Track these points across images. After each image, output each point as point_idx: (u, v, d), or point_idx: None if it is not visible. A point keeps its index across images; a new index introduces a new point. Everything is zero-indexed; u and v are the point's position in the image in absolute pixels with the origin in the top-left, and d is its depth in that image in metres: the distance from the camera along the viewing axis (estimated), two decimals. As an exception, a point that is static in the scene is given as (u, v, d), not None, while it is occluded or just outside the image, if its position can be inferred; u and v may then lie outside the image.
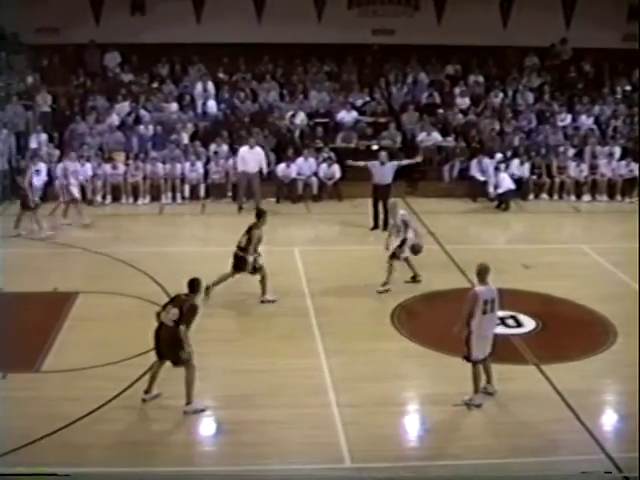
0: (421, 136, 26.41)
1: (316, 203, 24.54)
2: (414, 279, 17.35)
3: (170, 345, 11.99)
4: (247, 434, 11.43)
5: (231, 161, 24.84)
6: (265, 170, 24.23)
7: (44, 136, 25.17)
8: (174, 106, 26.99)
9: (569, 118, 27.58)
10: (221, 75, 28.48)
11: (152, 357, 12.65)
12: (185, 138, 25.74)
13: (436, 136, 26.48)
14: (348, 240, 21.03)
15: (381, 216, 21.52)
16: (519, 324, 15.18)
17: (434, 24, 29.51)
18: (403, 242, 16.97)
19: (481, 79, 28.88)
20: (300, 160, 25.00)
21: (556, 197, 25.59)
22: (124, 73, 28.36)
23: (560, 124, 27.31)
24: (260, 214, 16.61)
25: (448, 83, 28.73)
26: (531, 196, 25.48)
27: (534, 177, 25.52)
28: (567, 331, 15.35)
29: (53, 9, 27.16)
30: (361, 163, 22.59)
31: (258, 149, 24.09)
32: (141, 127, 25.97)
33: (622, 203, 25.23)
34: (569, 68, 29.59)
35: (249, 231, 16.27)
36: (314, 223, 22.82)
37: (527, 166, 25.43)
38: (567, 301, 16.66)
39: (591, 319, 15.85)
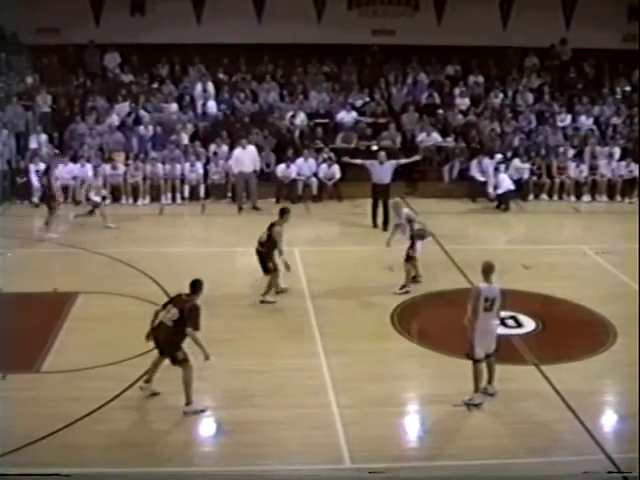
0: (421, 136, 26.41)
1: (316, 203, 24.55)
2: (414, 279, 17.35)
3: (167, 345, 12.02)
4: (247, 434, 11.43)
5: (230, 161, 24.85)
6: (258, 169, 24.28)
7: (44, 136, 25.18)
8: (174, 106, 27.00)
9: (569, 119, 27.59)
10: (221, 76, 28.49)
11: (152, 357, 12.68)
12: (185, 139, 25.74)
13: (436, 136, 26.49)
14: (348, 240, 21.03)
15: (381, 216, 21.63)
16: (519, 324, 15.18)
17: (434, 25, 29.52)
18: (413, 242, 16.98)
19: (481, 79, 28.89)
20: (300, 160, 25.00)
21: (556, 197, 25.60)
22: (124, 73, 28.38)
23: (560, 124, 27.33)
24: (283, 212, 16.72)
25: (448, 84, 28.75)
26: (531, 196, 25.49)
27: (534, 177, 25.53)
28: (567, 331, 15.35)
29: (53, 9, 27.15)
30: (358, 161, 22.73)
31: (251, 148, 24.14)
32: (141, 127, 25.97)
33: (622, 204, 25.24)
34: (569, 69, 29.60)
35: (270, 228, 16.37)
36: (314, 223, 22.80)
37: (527, 166, 25.44)
38: (567, 301, 16.66)
39: (591, 319, 15.85)
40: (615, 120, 27.40)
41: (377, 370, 13.46)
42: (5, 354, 13.63)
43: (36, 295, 16.47)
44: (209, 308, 15.28)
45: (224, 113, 27.14)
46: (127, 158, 25.03)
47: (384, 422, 11.94)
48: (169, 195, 24.58)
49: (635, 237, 18.92)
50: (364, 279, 17.73)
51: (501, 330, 13.17)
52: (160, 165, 24.64)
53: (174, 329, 11.88)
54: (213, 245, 20.59)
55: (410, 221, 17.05)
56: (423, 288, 17.19)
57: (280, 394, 12.58)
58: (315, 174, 25.02)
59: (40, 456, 10.73)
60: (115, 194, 24.33)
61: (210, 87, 27.73)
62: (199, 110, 27.28)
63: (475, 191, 25.19)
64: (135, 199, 24.45)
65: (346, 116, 27.01)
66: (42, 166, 23.82)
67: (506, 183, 24.34)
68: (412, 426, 12.19)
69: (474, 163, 25.38)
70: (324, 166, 24.98)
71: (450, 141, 26.49)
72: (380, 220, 21.69)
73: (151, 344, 12.43)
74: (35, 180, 23.72)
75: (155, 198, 24.53)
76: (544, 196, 25.59)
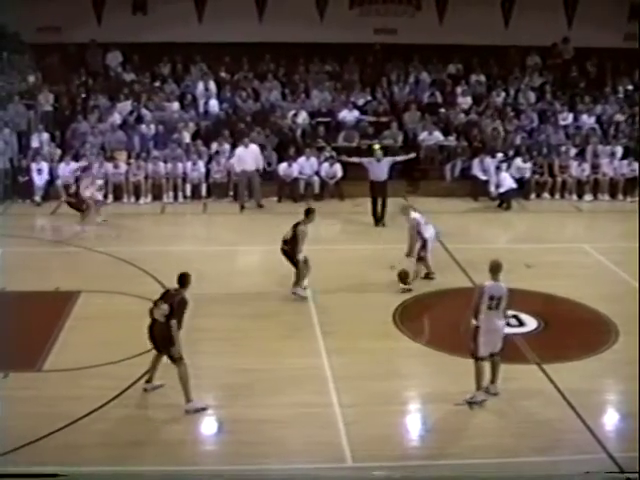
0: (423, 135, 26.41)
1: (318, 202, 24.45)
2: (428, 276, 17.45)
3: (162, 341, 12.03)
4: (248, 433, 11.42)
5: (232, 160, 24.86)
6: (261, 167, 24.31)
7: (46, 135, 25.16)
8: (176, 105, 27.00)
9: (571, 117, 27.57)
10: (223, 74, 28.49)
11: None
12: (187, 137, 25.74)
13: (438, 135, 26.48)
14: (350, 239, 21.03)
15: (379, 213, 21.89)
16: (521, 323, 15.18)
17: (436, 23, 29.52)
18: (424, 243, 16.98)
19: (483, 78, 28.88)
20: (302, 159, 24.99)
21: (558, 196, 25.58)
22: (126, 72, 28.38)
23: (562, 123, 27.31)
24: (308, 212, 16.78)
25: (450, 82, 28.73)
26: (533, 195, 25.46)
27: (536, 176, 25.52)
28: (569, 330, 15.35)
29: (55, 8, 27.16)
30: (356, 159, 22.93)
31: (253, 147, 24.17)
32: (143, 126, 25.96)
33: (624, 202, 25.19)
34: (571, 67, 29.58)
35: (295, 227, 16.44)
36: (316, 222, 22.64)
37: (529, 165, 25.44)
38: (569, 300, 16.65)
39: (593, 318, 15.84)
40: (617, 119, 27.37)
41: (379, 369, 13.46)
42: (7, 353, 13.65)
43: (38, 294, 16.47)
44: (211, 307, 15.36)
45: (226, 112, 27.13)
46: (129, 157, 25.03)
47: (386, 421, 11.93)
48: (171, 194, 24.58)
49: (636, 236, 18.89)
50: (366, 278, 17.72)
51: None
52: (162, 164, 24.64)
53: (166, 325, 11.89)
54: (215, 244, 20.58)
55: (418, 226, 17.03)
56: (425, 287, 17.18)
57: (282, 393, 12.58)
58: (317, 173, 25.02)
59: (41, 455, 10.73)
60: (117, 193, 24.34)
61: (212, 86, 27.72)
62: (201, 109, 27.26)
63: (477, 190, 25.18)
64: (137, 198, 24.45)
65: (348, 115, 27.01)
66: (44, 165, 23.89)
67: (508, 182, 24.33)
68: (414, 425, 12.19)
69: (476, 162, 25.37)
70: (326, 165, 24.98)
71: (452, 140, 26.48)
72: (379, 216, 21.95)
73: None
74: (37, 179, 23.75)
75: (157, 197, 24.53)
76: (546, 195, 25.57)
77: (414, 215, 17.31)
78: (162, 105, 26.84)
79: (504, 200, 24.22)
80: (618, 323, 15.24)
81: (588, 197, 25.58)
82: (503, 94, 28.30)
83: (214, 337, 14.27)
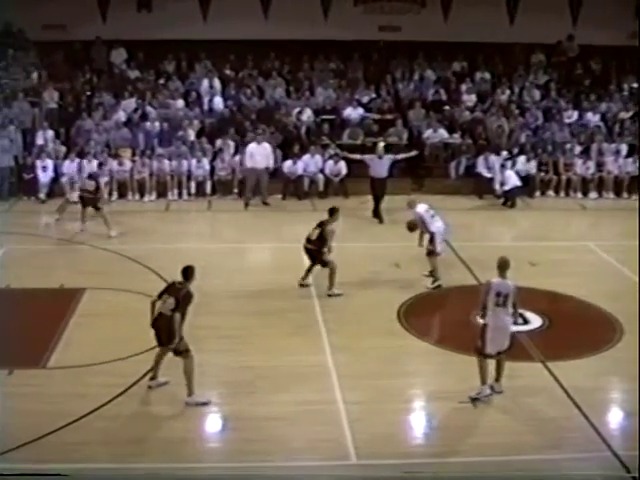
0: (427, 133, 26.42)
1: (322, 200, 24.50)
2: (431, 273, 17.39)
3: (167, 334, 12.02)
4: (252, 431, 11.42)
5: (237, 158, 24.91)
6: (271, 166, 24.33)
7: (50, 133, 25.22)
8: (180, 103, 27.02)
9: (576, 115, 27.56)
10: (227, 72, 28.53)
11: (158, 353, 12.74)
12: (191, 135, 25.77)
13: (442, 133, 26.49)
14: (354, 237, 21.00)
15: (371, 206, 22.34)
16: (525, 321, 15.12)
17: (440, 21, 29.51)
18: (432, 237, 16.97)
19: (487, 76, 28.88)
20: (306, 157, 25.02)
21: (562, 194, 25.58)
22: (130, 70, 28.43)
23: (567, 121, 27.31)
24: (333, 211, 16.87)
25: (454, 80, 28.74)
26: (537, 193, 25.48)
27: (540, 174, 25.52)
28: (573, 328, 15.35)
29: (60, 6, 27.20)
30: (357, 156, 23.10)
31: (266, 145, 24.20)
32: (147, 124, 25.99)
33: (629, 200, 25.17)
34: (576, 65, 29.57)
35: (321, 226, 16.57)
36: (320, 220, 22.74)
37: (533, 163, 25.44)
38: (573, 298, 16.64)
39: (597, 316, 15.83)
40: (622, 116, 27.34)
41: (383, 367, 13.46)
42: (12, 350, 13.67)
43: (43, 291, 16.50)
44: (215, 304, 15.38)
45: (230, 109, 27.14)
46: (133, 154, 25.06)
47: (390, 419, 11.93)
48: (175, 191, 24.62)
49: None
50: (371, 275, 17.73)
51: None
52: (166, 161, 24.67)
53: (172, 318, 11.90)
54: (219, 241, 20.61)
55: (422, 221, 17.01)
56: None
57: (286, 390, 12.58)
58: (321, 170, 25.05)
59: (45, 452, 10.72)
60: (121, 190, 24.37)
61: (216, 83, 27.76)
62: (205, 106, 27.30)
63: (481, 188, 25.18)
64: (141, 195, 24.49)
65: (352, 112, 27.02)
66: (49, 162, 23.93)
67: (512, 180, 24.34)
68: (418, 423, 12.18)
69: (480, 160, 25.38)
70: (330, 162, 24.99)
71: (457, 137, 26.49)
72: (371, 208, 22.29)
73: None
74: (42, 177, 23.79)
75: (161, 194, 24.58)
76: (551, 193, 25.58)
77: (418, 209, 17.28)
78: (167, 102, 26.87)
79: (509, 198, 24.22)
80: (622, 321, 15.22)
81: (593, 195, 25.58)
82: (508, 92, 28.28)
83: (218, 334, 14.28)
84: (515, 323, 12.67)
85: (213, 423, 11.93)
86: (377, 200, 22.24)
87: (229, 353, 13.57)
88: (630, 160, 25.77)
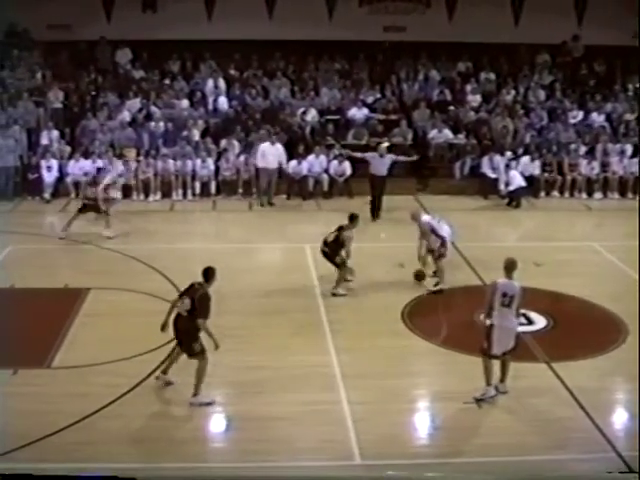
0: (432, 133, 26.40)
1: (327, 200, 24.52)
2: (435, 274, 17.38)
3: (185, 336, 12.09)
4: (256, 431, 11.43)
5: (242, 158, 24.90)
6: (284, 165, 24.40)
7: (55, 133, 25.20)
8: (185, 103, 27.00)
9: (581, 115, 27.51)
10: (232, 72, 28.49)
11: (162, 353, 12.77)
12: (196, 135, 25.74)
13: (447, 133, 26.47)
14: (359, 237, 20.85)
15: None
16: (530, 322, 15.15)
17: (445, 21, 29.48)
18: (444, 241, 16.96)
19: (492, 76, 28.84)
20: (311, 157, 25.00)
21: (567, 195, 25.52)
22: (135, 70, 28.42)
23: (571, 121, 27.25)
24: (352, 218, 16.86)
25: (459, 80, 28.69)
26: (542, 194, 25.42)
27: (545, 174, 25.48)
28: (578, 329, 15.33)
29: (64, 6, 27.21)
30: (359, 154, 23.32)
31: (278, 145, 24.26)
32: (152, 124, 25.97)
33: (634, 201, 25.03)
34: (581, 65, 29.52)
35: (339, 230, 16.62)
36: (325, 220, 22.75)
37: (538, 163, 25.41)
38: (578, 299, 16.63)
39: (602, 317, 15.82)
40: (627, 117, 27.30)
41: (388, 367, 13.46)
42: (16, 350, 13.70)
43: (47, 291, 16.51)
44: (220, 304, 15.32)
45: (235, 109, 27.13)
46: (138, 154, 25.04)
47: (395, 419, 11.94)
48: (180, 191, 24.59)
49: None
50: (375, 276, 17.71)
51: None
52: (171, 161, 24.65)
53: (189, 319, 11.97)
54: (224, 241, 20.60)
55: (432, 230, 16.95)
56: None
57: (290, 390, 12.59)
58: (326, 170, 25.02)
59: (49, 452, 10.75)
60: (126, 190, 24.37)
61: (221, 83, 27.74)
62: (210, 106, 27.28)
63: (486, 188, 25.14)
64: (146, 195, 24.47)
65: (357, 113, 27.00)
66: (53, 162, 23.95)
67: (517, 180, 24.31)
68: (423, 423, 12.19)
69: (485, 160, 25.34)
70: (335, 162, 24.97)
71: (461, 138, 26.45)
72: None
73: (163, 338, 12.51)
74: (46, 176, 23.81)
75: (166, 194, 24.53)
76: (555, 193, 25.52)
77: (425, 218, 17.24)
78: (171, 102, 26.85)
79: (513, 198, 24.19)
80: (627, 322, 15.20)
81: (598, 195, 25.53)
82: (513, 92, 28.23)
83: (222, 334, 14.14)
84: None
85: (218, 423, 11.95)
86: (374, 197, 22.43)
87: (234, 353, 13.56)
88: (635, 160, 25.68)
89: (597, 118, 27.36)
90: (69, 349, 13.90)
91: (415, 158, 23.84)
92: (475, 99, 27.95)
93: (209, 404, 12.10)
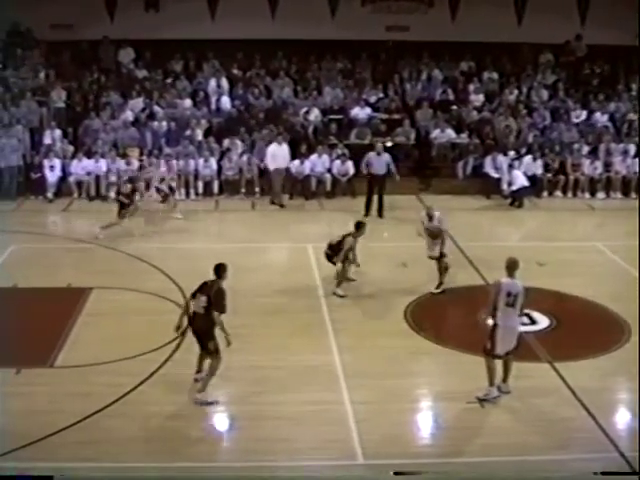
0: (435, 133, 26.40)
1: (329, 199, 24.53)
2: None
3: (202, 334, 12.14)
4: (259, 430, 11.43)
5: (244, 157, 24.91)
6: (288, 165, 24.46)
7: (58, 132, 25.23)
8: (188, 102, 27.01)
9: (584, 115, 27.50)
10: (235, 71, 28.51)
11: (165, 353, 12.83)
12: (199, 134, 25.76)
13: (450, 133, 26.47)
14: (362, 237, 20.98)
15: (376, 202, 22.67)
16: (533, 321, 15.14)
17: (448, 21, 29.46)
18: (443, 240, 16.94)
19: (495, 76, 28.83)
20: (314, 157, 25.00)
21: (570, 194, 25.51)
22: (138, 69, 28.44)
23: (575, 121, 27.25)
24: (359, 226, 16.91)
25: (462, 80, 28.69)
26: (545, 193, 25.42)
27: (548, 174, 25.46)
28: (581, 329, 15.33)
29: (67, 5, 27.24)
30: (363, 167, 23.17)
31: (285, 145, 24.31)
32: (155, 123, 25.99)
33: (636, 201, 25.00)
34: (584, 65, 29.51)
35: (344, 236, 16.67)
36: (327, 220, 22.76)
37: (541, 163, 25.39)
38: (581, 299, 16.62)
39: (605, 317, 15.81)
40: (630, 117, 27.26)
41: (390, 367, 13.46)
42: (19, 349, 13.70)
43: (50, 290, 16.52)
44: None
45: (238, 109, 27.14)
46: (141, 154, 25.04)
47: (397, 419, 11.93)
48: (183, 191, 24.59)
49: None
50: (378, 275, 17.71)
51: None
52: (174, 161, 24.65)
53: (206, 316, 12.03)
54: (226, 241, 20.59)
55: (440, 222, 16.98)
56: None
57: (293, 390, 12.59)
58: (329, 170, 25.02)
59: (54, 451, 10.76)
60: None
61: (224, 83, 27.76)
62: (213, 106, 27.30)
63: (489, 188, 25.13)
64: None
65: (360, 112, 27.00)
66: (56, 162, 23.96)
67: (520, 180, 24.30)
68: (425, 423, 12.17)
69: (488, 160, 25.33)
70: (338, 162, 24.97)
71: (464, 137, 26.45)
72: (375, 207, 22.58)
73: (166, 337, 12.54)
74: (49, 176, 23.82)
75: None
76: (558, 193, 25.51)
77: (437, 213, 17.15)
78: (174, 102, 26.86)
79: (516, 198, 24.18)
80: (630, 322, 15.18)
81: (601, 195, 25.51)
82: (516, 92, 28.22)
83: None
84: (522, 323, 12.68)
85: (220, 423, 11.95)
86: (370, 196, 22.61)
87: (235, 352, 13.50)
88: (638, 160, 25.68)
89: (600, 118, 27.35)
90: (72, 348, 13.90)
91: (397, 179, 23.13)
92: (478, 99, 27.94)
93: (211, 404, 12.11)
